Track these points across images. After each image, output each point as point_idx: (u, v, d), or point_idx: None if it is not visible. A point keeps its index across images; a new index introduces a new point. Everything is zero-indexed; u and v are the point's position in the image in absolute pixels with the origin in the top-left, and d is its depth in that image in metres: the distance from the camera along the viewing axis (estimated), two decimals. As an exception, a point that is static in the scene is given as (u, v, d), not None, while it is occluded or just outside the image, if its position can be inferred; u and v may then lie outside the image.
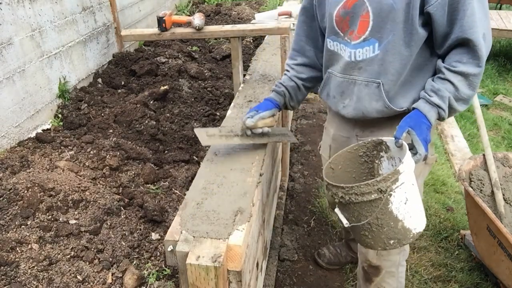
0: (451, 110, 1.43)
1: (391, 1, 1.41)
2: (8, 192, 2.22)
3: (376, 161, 1.52)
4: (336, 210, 1.39)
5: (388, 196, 1.28)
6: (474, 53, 1.37)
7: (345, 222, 1.37)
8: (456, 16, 1.36)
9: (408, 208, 1.32)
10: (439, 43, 1.45)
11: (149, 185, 2.68)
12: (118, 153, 2.81)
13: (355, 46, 1.53)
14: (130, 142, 2.97)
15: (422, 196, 1.66)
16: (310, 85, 1.88)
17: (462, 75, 1.38)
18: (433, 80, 1.44)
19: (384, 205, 1.30)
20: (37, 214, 2.17)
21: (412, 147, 1.38)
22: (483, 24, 1.37)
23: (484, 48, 1.38)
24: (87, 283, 1.96)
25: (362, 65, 1.54)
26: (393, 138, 1.40)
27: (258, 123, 1.73)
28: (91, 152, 2.77)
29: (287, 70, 1.87)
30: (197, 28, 2.60)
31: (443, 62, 1.44)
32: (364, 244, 1.44)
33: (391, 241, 1.36)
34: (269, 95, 1.85)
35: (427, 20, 1.42)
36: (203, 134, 1.77)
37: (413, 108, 1.46)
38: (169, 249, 1.31)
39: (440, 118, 1.43)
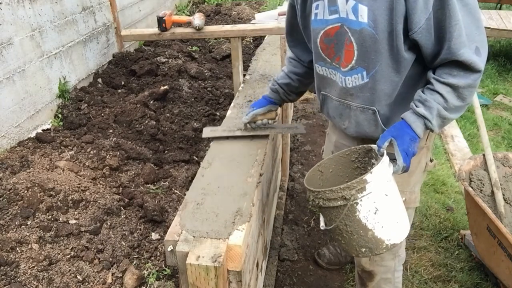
0: (444, 120, 1.38)
1: (373, 31, 1.36)
2: (8, 192, 2.22)
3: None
4: (318, 211, 1.40)
5: (354, 204, 1.28)
6: (466, 69, 1.32)
7: (321, 224, 1.41)
8: (444, 37, 1.30)
9: (379, 218, 1.30)
10: (429, 61, 1.40)
11: (149, 185, 2.68)
12: (118, 153, 2.81)
13: (345, 73, 1.49)
14: (130, 142, 2.97)
15: (417, 202, 1.66)
16: (307, 81, 1.84)
17: (451, 87, 1.33)
18: (422, 91, 1.39)
19: (351, 213, 1.29)
20: (37, 214, 2.17)
21: (393, 157, 1.34)
22: (474, 39, 1.32)
23: (478, 62, 1.31)
24: (87, 283, 1.96)
25: (353, 92, 1.51)
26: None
27: (258, 117, 1.82)
28: (91, 152, 2.77)
29: (286, 65, 1.87)
30: (197, 28, 2.60)
31: (433, 72, 1.39)
32: (340, 248, 1.41)
33: (363, 249, 1.35)
34: (265, 92, 1.90)
35: (413, 44, 1.37)
36: (208, 130, 1.90)
37: (401, 119, 1.41)
38: (169, 249, 1.31)
39: (428, 129, 1.37)
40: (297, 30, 1.69)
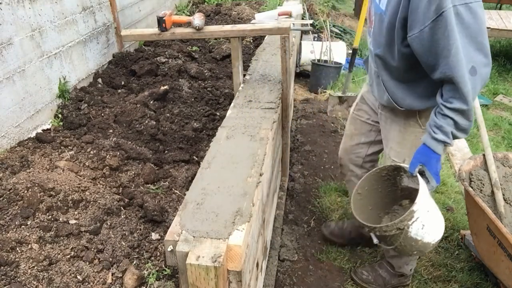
0: (456, 138, 1.60)
1: (384, 19, 1.59)
2: (8, 192, 2.22)
3: (397, 178, 1.81)
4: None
5: (407, 228, 1.56)
6: (460, 90, 1.46)
7: (375, 241, 1.67)
8: (441, 53, 1.44)
9: (426, 229, 1.58)
10: (428, 70, 1.56)
11: (149, 185, 2.68)
12: (118, 153, 2.81)
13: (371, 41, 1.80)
14: (130, 142, 2.97)
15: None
16: None
17: (458, 111, 1.50)
18: (435, 115, 1.57)
19: (404, 235, 1.57)
20: (37, 214, 2.17)
21: (424, 176, 1.62)
22: (472, 59, 1.45)
23: (470, 83, 1.45)
24: (87, 283, 1.96)
25: (374, 59, 1.81)
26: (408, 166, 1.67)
27: None
28: (91, 152, 2.77)
29: None
30: (197, 28, 2.59)
31: (441, 97, 1.55)
32: (395, 251, 1.74)
33: (415, 252, 1.67)
34: None
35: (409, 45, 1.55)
36: None
37: (422, 143, 1.63)
38: (169, 249, 1.31)
39: (447, 146, 1.60)
40: None
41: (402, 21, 1.50)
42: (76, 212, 2.27)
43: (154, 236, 2.31)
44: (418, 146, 1.69)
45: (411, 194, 1.80)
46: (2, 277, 1.85)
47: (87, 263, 2.04)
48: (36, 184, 2.29)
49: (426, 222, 1.57)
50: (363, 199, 1.80)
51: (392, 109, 1.88)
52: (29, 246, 2.02)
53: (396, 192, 1.88)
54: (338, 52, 4.92)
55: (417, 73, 1.64)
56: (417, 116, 1.82)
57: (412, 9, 1.43)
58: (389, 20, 1.55)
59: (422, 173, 1.63)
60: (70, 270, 1.98)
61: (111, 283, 2.00)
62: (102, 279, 2.00)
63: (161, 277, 2.07)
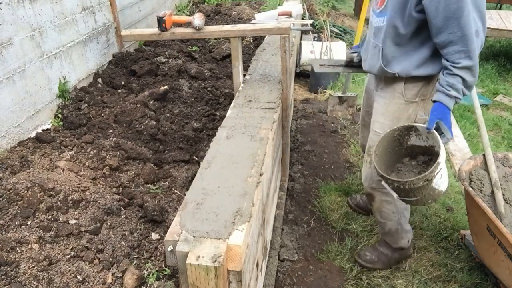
0: (464, 95, 1.81)
1: None
2: (8, 192, 2.22)
3: (406, 137, 1.98)
4: (385, 185, 1.87)
5: (433, 179, 1.75)
6: (468, 47, 1.70)
7: (395, 195, 1.84)
8: (453, 15, 1.67)
9: (443, 179, 1.80)
10: (435, 33, 1.76)
11: (149, 185, 2.68)
12: (118, 153, 2.81)
13: (377, 15, 1.97)
14: (130, 142, 2.97)
15: None
16: None
17: (466, 68, 1.73)
18: (443, 75, 1.80)
19: (427, 186, 1.76)
20: (37, 214, 2.17)
21: (440, 133, 1.81)
22: (476, 24, 1.70)
23: (476, 42, 1.70)
24: (87, 283, 1.96)
25: (376, 31, 2.00)
26: (422, 125, 1.87)
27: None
28: (91, 152, 2.77)
29: None
30: (197, 28, 2.59)
31: (446, 60, 1.78)
32: (407, 203, 1.99)
33: (429, 201, 1.86)
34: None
35: (423, 10, 1.74)
36: (317, 64, 2.57)
37: (434, 101, 1.84)
38: (169, 249, 1.31)
39: (457, 103, 1.82)
40: None
41: None
42: (76, 212, 2.27)
43: (154, 236, 2.31)
44: (399, 118, 2.01)
45: (413, 152, 2.03)
46: (2, 277, 1.85)
47: (87, 263, 2.04)
48: (36, 184, 2.29)
49: (443, 172, 1.79)
50: (379, 160, 1.97)
51: (383, 82, 2.10)
52: (29, 246, 2.02)
53: (400, 151, 2.06)
54: (338, 52, 4.91)
55: (419, 39, 1.87)
56: (403, 88, 2.01)
57: None
58: None
59: (436, 129, 1.83)
60: (70, 270, 1.98)
61: (111, 283, 1.99)
62: (102, 279, 2.00)
63: (161, 277, 2.07)
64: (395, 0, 1.83)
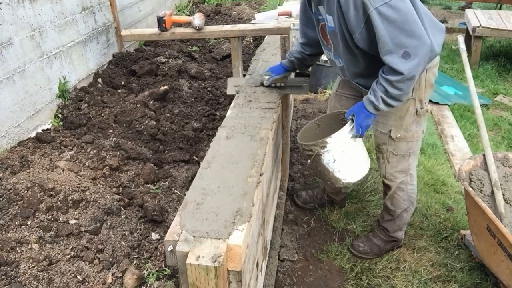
0: (388, 103, 1.86)
1: (334, 27, 1.86)
2: (8, 192, 2.22)
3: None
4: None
5: (319, 155, 1.92)
6: (392, 69, 1.75)
7: (308, 161, 2.01)
8: (378, 45, 1.74)
9: (336, 165, 1.94)
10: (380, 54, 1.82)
11: (149, 185, 2.68)
12: (118, 153, 2.81)
13: (334, 56, 2.07)
14: (130, 142, 2.97)
15: (418, 135, 2.16)
16: (313, 59, 2.43)
17: (387, 81, 1.80)
18: (375, 82, 1.88)
19: (317, 159, 1.95)
20: (37, 214, 2.17)
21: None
22: (404, 45, 1.70)
23: (403, 65, 1.71)
24: (87, 283, 1.96)
25: (342, 69, 2.08)
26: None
27: (277, 81, 2.41)
28: (91, 152, 2.77)
29: (297, 45, 2.36)
30: (197, 28, 2.60)
31: (382, 70, 1.84)
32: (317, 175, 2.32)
33: (328, 182, 2.10)
34: (282, 61, 2.43)
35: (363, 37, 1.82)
36: (231, 83, 2.44)
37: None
38: (169, 249, 1.31)
39: (377, 109, 1.89)
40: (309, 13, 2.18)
41: (348, 30, 1.82)
42: (76, 212, 2.27)
43: (154, 236, 2.31)
44: (402, 116, 2.08)
45: None
46: (2, 277, 1.85)
47: (87, 263, 2.04)
48: (36, 184, 2.29)
49: (338, 159, 1.92)
50: (320, 131, 2.13)
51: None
52: (29, 246, 2.02)
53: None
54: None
55: (378, 65, 1.91)
56: None
57: (348, 19, 1.76)
58: (340, 33, 1.86)
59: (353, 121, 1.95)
60: (70, 270, 1.98)
61: (111, 283, 2.00)
62: (102, 279, 2.00)
63: (161, 277, 2.07)
64: (340, 46, 1.91)
